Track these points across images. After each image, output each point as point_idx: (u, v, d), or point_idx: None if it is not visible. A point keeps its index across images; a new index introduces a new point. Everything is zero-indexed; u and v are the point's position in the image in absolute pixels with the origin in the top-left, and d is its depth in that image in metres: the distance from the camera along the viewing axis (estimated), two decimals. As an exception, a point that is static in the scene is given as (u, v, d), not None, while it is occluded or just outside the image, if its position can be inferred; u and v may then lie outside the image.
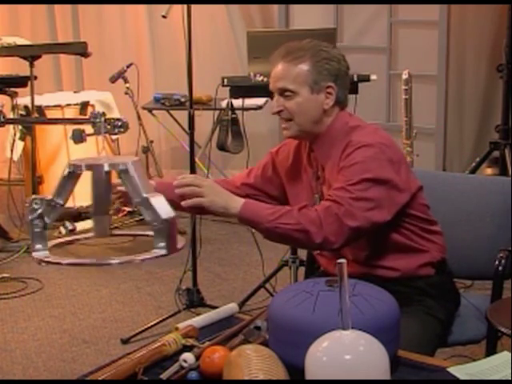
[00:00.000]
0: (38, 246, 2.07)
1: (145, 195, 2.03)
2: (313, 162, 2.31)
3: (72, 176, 2.06)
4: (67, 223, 5.08)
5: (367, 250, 2.23)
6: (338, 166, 2.18)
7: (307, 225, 2.07)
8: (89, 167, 2.04)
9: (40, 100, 4.85)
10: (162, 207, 2.03)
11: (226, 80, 3.66)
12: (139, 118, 4.93)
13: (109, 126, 2.30)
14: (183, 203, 2.13)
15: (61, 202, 2.05)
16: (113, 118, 2.34)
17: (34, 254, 2.08)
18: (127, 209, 5.14)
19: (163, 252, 2.03)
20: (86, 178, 2.16)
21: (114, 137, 4.95)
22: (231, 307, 2.12)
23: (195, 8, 3.53)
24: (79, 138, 2.23)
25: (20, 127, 4.76)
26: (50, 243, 2.14)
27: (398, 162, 2.17)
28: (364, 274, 2.20)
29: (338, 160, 2.19)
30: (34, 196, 2.07)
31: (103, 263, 2.28)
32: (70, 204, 4.89)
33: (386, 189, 2.12)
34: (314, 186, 2.31)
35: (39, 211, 2.03)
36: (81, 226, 5.15)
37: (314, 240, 2.08)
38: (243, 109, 3.86)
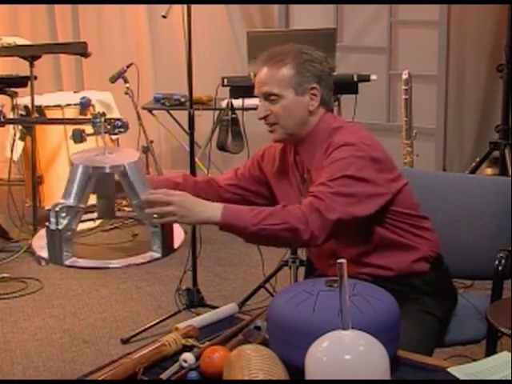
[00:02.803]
0: (66, 254, 2.05)
1: (142, 197, 2.02)
2: (299, 164, 2.33)
3: (91, 177, 2.04)
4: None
5: (360, 249, 2.24)
6: (321, 167, 2.19)
7: (295, 223, 2.06)
8: (113, 168, 2.02)
9: (40, 100, 4.84)
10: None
11: (226, 80, 3.66)
12: (139, 117, 4.93)
13: (109, 126, 2.30)
14: (154, 222, 2.08)
15: (83, 205, 2.04)
16: (113, 118, 2.34)
17: (66, 262, 2.06)
18: (127, 209, 5.16)
19: (157, 255, 2.03)
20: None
21: (114, 137, 4.94)
22: (231, 307, 2.12)
23: (195, 8, 3.52)
24: (79, 137, 2.23)
25: (20, 127, 4.75)
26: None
27: (380, 161, 2.17)
28: (359, 274, 2.20)
29: (321, 161, 2.20)
30: (58, 203, 2.01)
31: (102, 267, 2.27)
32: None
33: (366, 186, 2.13)
34: (301, 189, 2.32)
35: (66, 220, 2.01)
36: (81, 226, 5.14)
37: (302, 237, 2.07)
38: (243, 109, 3.86)
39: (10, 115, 4.51)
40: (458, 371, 1.68)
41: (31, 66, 4.44)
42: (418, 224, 2.29)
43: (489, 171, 4.73)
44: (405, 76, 4.19)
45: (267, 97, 2.26)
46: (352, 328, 1.51)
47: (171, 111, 5.08)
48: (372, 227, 2.21)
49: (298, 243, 2.16)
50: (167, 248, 2.04)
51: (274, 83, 2.23)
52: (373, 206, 2.15)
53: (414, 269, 2.26)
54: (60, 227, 1.99)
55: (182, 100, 4.80)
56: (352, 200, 2.11)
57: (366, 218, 2.15)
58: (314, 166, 2.25)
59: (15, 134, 4.68)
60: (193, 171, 3.61)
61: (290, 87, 2.22)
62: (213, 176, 2.55)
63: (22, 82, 4.51)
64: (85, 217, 2.20)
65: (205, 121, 4.65)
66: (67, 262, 2.04)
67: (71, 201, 1.99)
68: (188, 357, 1.77)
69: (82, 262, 2.07)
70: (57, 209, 1.98)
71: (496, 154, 4.59)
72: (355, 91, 3.72)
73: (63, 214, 2.00)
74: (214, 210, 2.09)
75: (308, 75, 2.22)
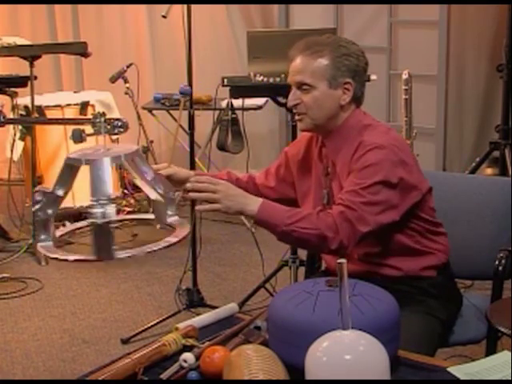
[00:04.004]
0: (42, 237, 2.08)
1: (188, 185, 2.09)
2: (323, 157, 2.31)
3: (70, 168, 2.06)
4: (67, 223, 5.10)
5: (373, 249, 2.23)
6: (348, 166, 2.18)
7: (325, 230, 2.06)
8: (88, 161, 2.03)
9: (40, 100, 4.84)
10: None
11: (226, 80, 3.66)
12: (139, 117, 4.93)
13: (109, 126, 2.30)
14: (197, 208, 2.12)
15: (59, 193, 2.06)
16: (113, 118, 2.33)
17: (38, 244, 2.09)
18: (127, 209, 5.16)
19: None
20: (85, 176, 2.16)
21: (114, 137, 4.94)
22: (231, 307, 2.12)
23: (195, 8, 3.52)
24: (79, 137, 2.23)
25: (20, 127, 4.76)
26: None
27: (410, 163, 2.17)
28: (367, 273, 2.20)
29: (349, 159, 2.19)
30: (37, 188, 2.09)
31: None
32: (69, 204, 4.93)
33: (397, 190, 2.12)
34: (323, 181, 2.30)
35: (41, 203, 2.05)
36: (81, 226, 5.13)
37: (330, 246, 2.08)
38: (243, 109, 3.86)
39: (10, 115, 4.51)
40: (458, 371, 1.68)
41: (31, 66, 4.44)
42: (434, 229, 2.29)
43: (489, 171, 4.73)
44: (405, 76, 4.18)
45: (300, 86, 2.22)
46: (352, 328, 1.51)
47: (171, 111, 5.08)
48: (391, 232, 2.20)
49: (325, 250, 2.15)
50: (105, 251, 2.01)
51: (308, 73, 2.19)
52: (403, 209, 2.15)
53: (422, 274, 2.26)
54: (34, 208, 2.04)
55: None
56: (382, 207, 2.10)
57: (392, 224, 2.15)
58: (339, 160, 2.23)
59: (15, 134, 4.69)
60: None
61: (324, 79, 2.19)
62: (252, 174, 2.55)
63: (21, 81, 4.51)
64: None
65: (205, 121, 4.65)
66: (40, 245, 2.08)
67: (50, 188, 2.05)
68: (188, 357, 1.77)
69: (62, 255, 2.09)
70: (35, 191, 2.04)
71: (496, 154, 4.59)
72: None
73: (38, 198, 2.05)
74: (254, 202, 2.11)
75: (344, 69, 2.20)
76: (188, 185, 2.12)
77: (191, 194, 2.11)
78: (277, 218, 2.09)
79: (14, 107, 4.56)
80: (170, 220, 2.13)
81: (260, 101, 4.69)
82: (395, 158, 2.13)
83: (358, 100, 2.26)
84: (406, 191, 2.15)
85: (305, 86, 2.21)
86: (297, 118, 2.27)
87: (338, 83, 2.20)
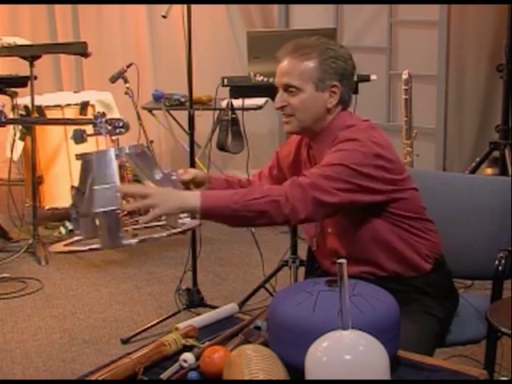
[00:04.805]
0: (77, 232, 2.08)
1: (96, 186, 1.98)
2: (312, 159, 2.32)
3: (87, 164, 2.04)
4: (67, 223, 5.08)
5: (362, 248, 2.23)
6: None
7: (276, 196, 2.05)
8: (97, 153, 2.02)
9: (40, 100, 4.85)
10: (102, 199, 1.94)
11: (226, 80, 3.67)
12: (139, 117, 4.93)
13: (109, 127, 2.30)
14: (141, 221, 2.03)
15: (81, 188, 2.05)
16: (114, 119, 2.34)
17: (65, 242, 2.09)
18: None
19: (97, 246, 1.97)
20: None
21: (113, 137, 4.94)
22: (231, 307, 2.13)
23: (195, 8, 3.53)
24: (80, 138, 2.23)
25: (20, 127, 4.76)
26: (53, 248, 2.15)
27: (384, 159, 2.14)
28: (361, 273, 2.20)
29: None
30: (72, 185, 2.08)
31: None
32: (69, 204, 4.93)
33: (361, 179, 2.10)
34: None
35: (73, 199, 2.05)
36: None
37: (283, 210, 2.04)
38: (243, 109, 3.86)
39: (10, 115, 4.51)
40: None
41: (31, 66, 4.44)
42: (424, 226, 2.28)
43: (489, 171, 4.73)
44: (405, 76, 4.19)
45: (286, 88, 2.22)
46: (352, 328, 1.51)
47: (171, 111, 5.08)
48: (376, 227, 2.20)
49: (280, 218, 2.08)
50: (108, 240, 1.98)
51: (296, 75, 2.19)
52: (364, 198, 2.11)
53: (415, 269, 2.26)
54: (70, 205, 2.06)
55: (182, 100, 4.80)
56: (342, 185, 2.08)
57: (358, 208, 2.12)
58: None
59: (15, 134, 4.69)
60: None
61: (311, 82, 2.19)
62: (251, 179, 2.52)
63: (22, 81, 4.51)
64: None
65: (205, 121, 4.66)
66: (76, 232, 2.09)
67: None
68: (188, 357, 1.77)
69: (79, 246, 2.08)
70: (71, 186, 2.05)
71: (496, 154, 4.59)
72: (355, 91, 3.71)
73: (72, 193, 2.05)
74: (193, 195, 2.06)
75: (331, 72, 2.20)
76: (124, 190, 1.99)
77: (127, 207, 1.99)
78: (223, 199, 2.04)
79: (14, 107, 4.56)
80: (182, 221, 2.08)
81: (260, 101, 4.69)
82: (367, 151, 2.11)
83: (344, 103, 2.26)
84: (374, 183, 2.11)
85: (291, 88, 2.21)
86: (284, 120, 2.27)
87: (325, 86, 2.20)
